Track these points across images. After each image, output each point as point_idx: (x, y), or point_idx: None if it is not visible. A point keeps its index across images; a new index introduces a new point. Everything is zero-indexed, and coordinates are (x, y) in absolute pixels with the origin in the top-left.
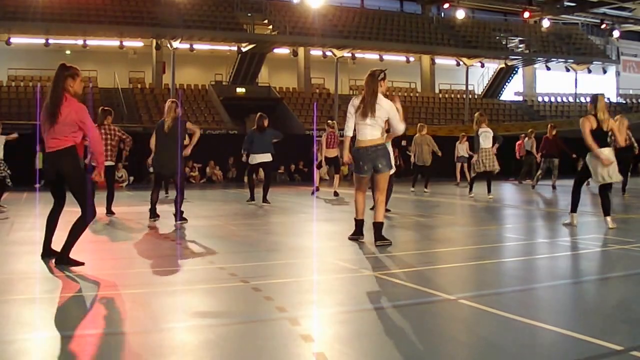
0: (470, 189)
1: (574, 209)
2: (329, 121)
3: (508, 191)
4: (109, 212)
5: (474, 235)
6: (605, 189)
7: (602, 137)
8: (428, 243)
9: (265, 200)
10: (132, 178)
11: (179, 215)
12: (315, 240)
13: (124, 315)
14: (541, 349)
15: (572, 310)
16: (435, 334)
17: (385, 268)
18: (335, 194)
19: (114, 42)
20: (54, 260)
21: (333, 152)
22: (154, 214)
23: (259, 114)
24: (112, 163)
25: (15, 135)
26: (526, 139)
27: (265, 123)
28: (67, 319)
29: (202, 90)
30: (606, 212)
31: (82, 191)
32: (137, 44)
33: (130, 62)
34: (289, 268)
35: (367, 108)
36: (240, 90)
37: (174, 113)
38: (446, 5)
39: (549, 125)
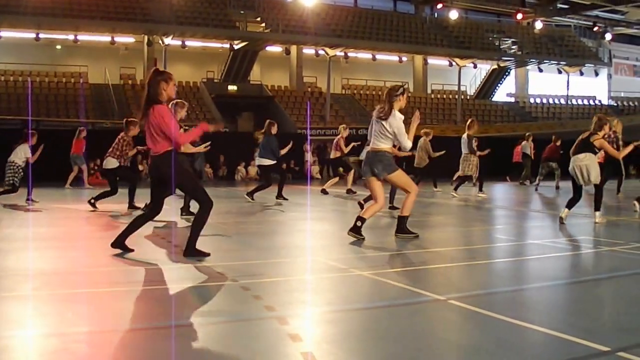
0: (455, 188)
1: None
2: (343, 125)
3: (502, 192)
4: (132, 206)
5: (464, 236)
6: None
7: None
8: (418, 243)
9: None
10: None
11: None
12: (306, 239)
13: (110, 314)
14: (529, 349)
15: (560, 311)
16: (424, 334)
17: (375, 268)
18: (348, 191)
19: (105, 38)
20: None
21: (336, 154)
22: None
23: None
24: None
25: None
26: (524, 142)
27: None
28: (54, 316)
29: (193, 88)
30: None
31: (191, 190)
32: (129, 39)
33: (122, 58)
34: (278, 267)
35: (378, 119)
36: (232, 88)
37: None
38: (439, 6)
39: (554, 137)
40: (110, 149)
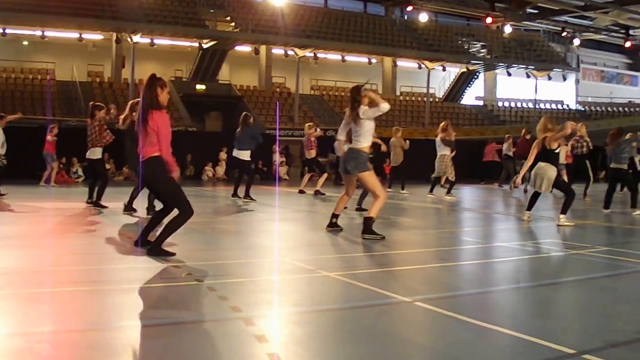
0: (430, 190)
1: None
2: (309, 123)
3: (470, 194)
4: (98, 204)
5: (431, 238)
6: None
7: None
8: (385, 245)
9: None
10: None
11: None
12: (273, 240)
13: (74, 313)
14: (496, 351)
15: (526, 313)
16: (390, 336)
17: (342, 269)
18: (317, 192)
19: (73, 34)
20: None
21: (312, 154)
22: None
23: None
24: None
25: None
26: (504, 143)
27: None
28: (17, 316)
29: None
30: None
31: (171, 197)
32: (97, 36)
33: (90, 55)
34: (245, 268)
35: (351, 118)
36: (200, 87)
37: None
38: (409, 8)
39: (524, 130)
40: (90, 140)
